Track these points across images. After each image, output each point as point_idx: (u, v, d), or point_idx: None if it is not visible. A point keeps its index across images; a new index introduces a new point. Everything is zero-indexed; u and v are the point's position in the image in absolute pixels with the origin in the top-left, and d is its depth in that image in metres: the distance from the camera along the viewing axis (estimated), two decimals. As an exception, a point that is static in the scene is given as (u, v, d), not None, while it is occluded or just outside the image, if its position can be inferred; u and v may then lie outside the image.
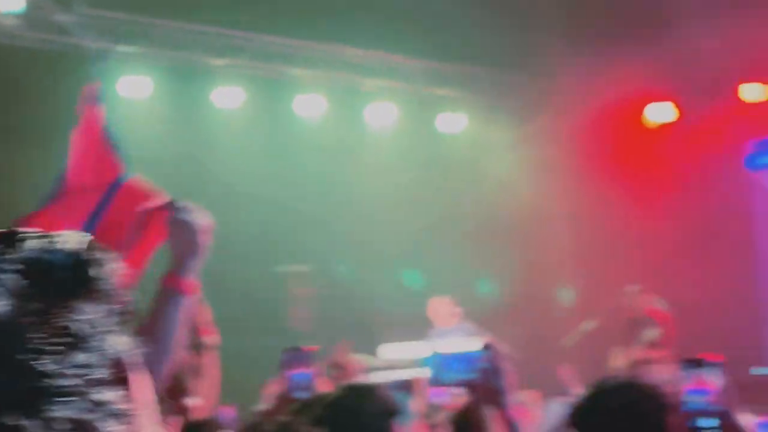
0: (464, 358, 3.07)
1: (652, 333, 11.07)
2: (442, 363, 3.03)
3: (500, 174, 13.35)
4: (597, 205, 13.95)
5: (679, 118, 13.70)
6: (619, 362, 11.20)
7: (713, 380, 2.99)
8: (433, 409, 6.41)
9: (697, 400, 3.05)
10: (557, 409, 4.79)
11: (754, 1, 12.52)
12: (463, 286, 12.15)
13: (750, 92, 13.05)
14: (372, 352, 11.34)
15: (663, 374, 10.55)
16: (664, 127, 13.89)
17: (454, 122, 13.81)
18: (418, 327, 11.44)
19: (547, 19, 14.10)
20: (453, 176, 13.31)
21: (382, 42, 12.56)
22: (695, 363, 3.01)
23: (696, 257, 12.93)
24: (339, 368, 4.79)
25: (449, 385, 3.07)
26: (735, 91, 13.11)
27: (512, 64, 13.87)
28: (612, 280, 12.55)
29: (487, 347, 3.05)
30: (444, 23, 12.36)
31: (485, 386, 3.04)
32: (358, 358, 10.88)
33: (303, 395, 3.64)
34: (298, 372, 3.76)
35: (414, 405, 5.91)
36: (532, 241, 13.82)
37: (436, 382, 3.15)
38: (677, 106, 13.68)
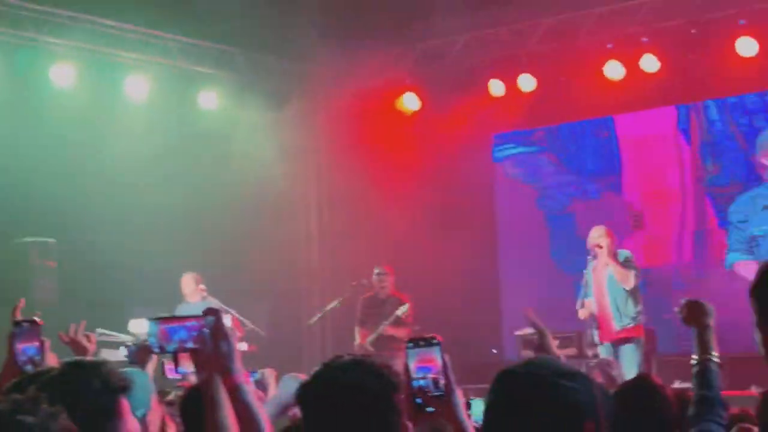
0: (186, 326, 2.99)
1: (396, 312, 11.46)
2: (163, 332, 2.98)
3: (252, 154, 13.45)
4: (346, 188, 14.34)
5: (428, 109, 14.20)
6: (363, 340, 11.57)
7: (437, 358, 3.03)
8: (170, 384, 6.46)
9: (421, 378, 3.08)
10: (292, 384, 4.89)
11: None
12: (213, 262, 12.23)
13: (497, 88, 13.66)
14: (122, 327, 11.25)
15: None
16: (415, 116, 14.38)
17: (210, 100, 13.79)
18: (171, 302, 11.48)
19: (305, 5, 14.35)
20: (206, 153, 13.29)
21: (139, 16, 12.42)
22: (420, 342, 3.04)
23: (440, 240, 13.48)
24: (72, 343, 4.76)
25: (171, 353, 3.00)
26: (485, 86, 13.69)
27: (269, 46, 14.03)
28: (358, 261, 12.95)
29: (209, 313, 2.97)
30: (202, 1, 12.33)
31: (207, 352, 2.94)
32: (95, 333, 10.82)
33: (30, 369, 3.57)
34: (27, 345, 3.70)
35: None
36: (280, 221, 13.99)
37: (158, 350, 3.03)
38: (426, 97, 14.17)
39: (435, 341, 3.10)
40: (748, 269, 12.04)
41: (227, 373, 2.85)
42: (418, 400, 2.96)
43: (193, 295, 11.61)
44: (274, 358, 10.74)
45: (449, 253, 13.51)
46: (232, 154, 13.34)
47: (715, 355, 3.58)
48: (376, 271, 11.83)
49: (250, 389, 2.92)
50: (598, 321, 10.52)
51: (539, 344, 4.53)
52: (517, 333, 12.18)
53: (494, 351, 13.56)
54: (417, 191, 13.92)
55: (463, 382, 11.89)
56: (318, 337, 14.19)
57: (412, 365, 3.04)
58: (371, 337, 11.40)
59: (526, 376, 2.35)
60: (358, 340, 11.66)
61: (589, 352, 10.98)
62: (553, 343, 4.66)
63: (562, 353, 10.60)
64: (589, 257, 10.59)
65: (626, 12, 12.69)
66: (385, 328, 11.42)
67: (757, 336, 2.60)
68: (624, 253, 10.59)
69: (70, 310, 10.83)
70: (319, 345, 14.14)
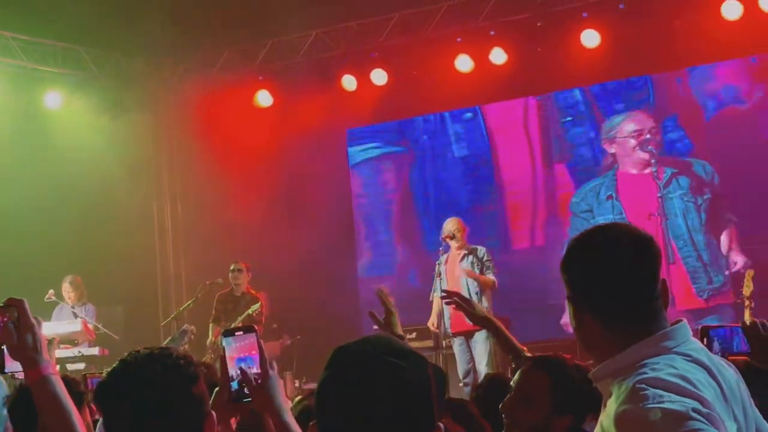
0: None
1: (250, 309, 11.37)
2: None
3: (100, 152, 13.18)
4: (200, 186, 14.20)
5: (282, 104, 14.15)
6: (215, 338, 11.43)
7: (255, 347, 3.03)
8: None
9: (239, 368, 3.04)
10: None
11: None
12: (64, 267, 11.95)
13: (349, 82, 13.68)
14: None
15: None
16: (269, 112, 14.31)
17: (55, 99, 13.44)
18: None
19: (153, 1, 14.17)
20: (53, 153, 12.96)
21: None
22: (235, 331, 3.04)
23: (297, 235, 13.45)
24: None
25: None
26: (338, 81, 13.70)
27: (116, 43, 13.77)
28: (214, 259, 12.82)
29: (11, 303, 2.85)
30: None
31: (12, 344, 2.83)
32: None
33: None
34: None
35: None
36: (133, 222, 13.75)
37: None
38: (279, 92, 14.11)
39: (251, 329, 3.10)
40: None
41: (33, 365, 2.77)
42: (235, 390, 2.95)
43: (71, 299, 11.54)
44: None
45: (307, 247, 13.49)
46: (79, 154, 13.03)
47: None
48: (231, 267, 11.71)
49: (58, 381, 2.83)
50: (450, 312, 10.59)
51: (384, 321, 4.53)
52: (375, 327, 12.22)
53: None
54: (272, 187, 13.86)
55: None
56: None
57: (230, 355, 3.02)
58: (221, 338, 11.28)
59: (358, 353, 2.30)
60: (210, 337, 11.53)
61: (445, 344, 11.11)
62: (399, 324, 4.64)
63: (419, 345, 10.78)
64: (440, 248, 10.69)
65: (474, 6, 12.86)
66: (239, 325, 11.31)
67: (569, 309, 2.64)
68: (482, 249, 10.69)
69: None
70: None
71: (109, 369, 2.78)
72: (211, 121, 14.27)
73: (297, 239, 13.44)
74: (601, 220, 12.78)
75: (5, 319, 2.76)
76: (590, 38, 12.46)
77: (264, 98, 14.21)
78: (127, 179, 13.68)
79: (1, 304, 2.81)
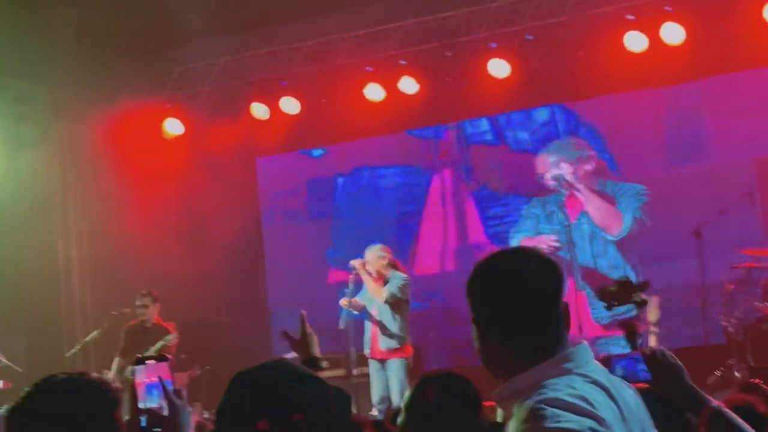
0: None
1: (164, 339, 11.20)
2: None
3: (6, 181, 12.97)
4: (107, 216, 14.02)
5: (192, 133, 14.06)
6: (121, 371, 11.25)
7: (166, 376, 3.00)
8: None
9: (148, 398, 3.00)
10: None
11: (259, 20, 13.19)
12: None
13: (260, 110, 13.66)
14: None
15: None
16: (179, 141, 14.21)
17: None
18: None
19: (61, 30, 14.06)
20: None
21: None
22: (147, 359, 3.03)
23: (206, 264, 13.36)
24: None
25: None
26: (247, 109, 13.66)
27: (25, 72, 13.57)
28: (120, 290, 12.64)
29: None
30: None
31: None
32: None
33: None
34: None
35: None
36: (37, 252, 13.50)
37: None
38: (189, 121, 14.03)
39: (164, 358, 3.07)
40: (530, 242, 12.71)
41: None
42: (143, 421, 2.90)
43: None
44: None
45: (216, 276, 13.42)
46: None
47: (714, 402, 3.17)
48: (138, 301, 11.44)
49: None
50: (370, 337, 10.60)
51: (300, 341, 4.36)
52: (287, 356, 12.15)
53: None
54: (181, 216, 13.79)
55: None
56: (81, 368, 13.72)
57: (141, 384, 2.99)
58: (132, 367, 11.09)
59: (257, 377, 2.36)
60: (114, 371, 11.27)
61: (354, 371, 11.09)
62: (316, 345, 4.54)
63: (330, 374, 10.72)
64: (351, 275, 10.67)
65: (384, 35, 12.95)
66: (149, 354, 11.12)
67: (473, 331, 2.68)
68: (398, 274, 10.62)
69: None
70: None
71: (23, 393, 2.71)
72: (119, 149, 14.11)
73: (206, 269, 13.36)
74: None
75: None
76: (498, 68, 12.62)
77: (173, 126, 14.10)
78: (30, 210, 13.42)
79: None
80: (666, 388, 3.13)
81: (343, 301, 10.63)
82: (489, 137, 13.48)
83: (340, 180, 14.17)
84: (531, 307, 2.57)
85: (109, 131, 13.94)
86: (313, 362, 4.40)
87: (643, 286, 5.93)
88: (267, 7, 12.88)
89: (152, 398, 3.06)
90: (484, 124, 13.52)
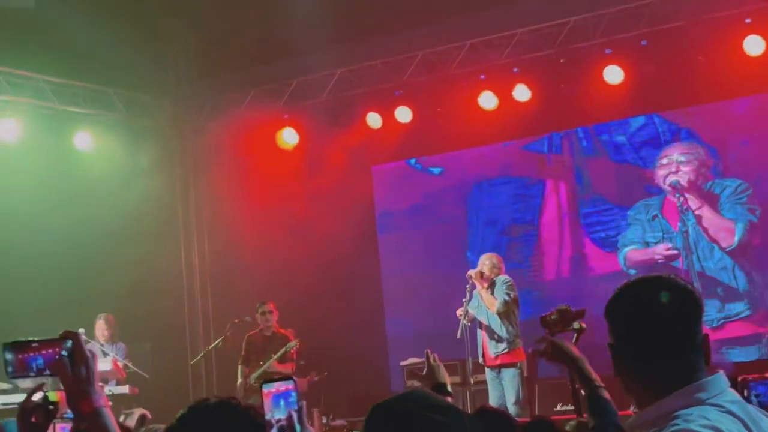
0: (43, 354, 2.90)
1: (287, 345, 11.39)
2: (21, 361, 2.88)
3: (130, 192, 13.34)
4: (227, 224, 14.30)
5: (308, 143, 14.28)
6: (246, 378, 11.47)
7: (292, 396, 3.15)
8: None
9: (281, 406, 3.11)
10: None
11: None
12: (93, 305, 12.05)
13: (374, 120, 13.80)
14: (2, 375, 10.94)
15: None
16: (295, 150, 14.43)
17: (85, 140, 13.60)
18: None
19: (178, 43, 14.41)
20: (82, 193, 13.10)
21: (9, 57, 12.21)
22: (275, 379, 3.16)
23: (323, 272, 13.55)
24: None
25: (35, 376, 2.92)
26: (363, 119, 13.81)
27: (144, 85, 13.97)
28: (241, 296, 12.88)
29: (67, 336, 2.90)
30: (76, 42, 12.20)
31: (66, 377, 2.88)
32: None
33: None
34: None
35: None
36: (161, 260, 13.84)
37: (15, 377, 2.91)
38: (304, 131, 14.24)
39: (290, 378, 3.15)
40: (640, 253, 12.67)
41: (86, 397, 2.77)
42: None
43: (104, 337, 11.63)
44: (159, 399, 10.62)
45: (333, 284, 13.58)
46: (109, 194, 13.18)
47: (598, 383, 3.71)
48: (260, 309, 11.68)
49: (110, 413, 2.89)
50: (481, 344, 10.67)
51: (426, 373, 4.63)
52: (403, 363, 12.29)
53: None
54: (298, 224, 13.95)
55: (351, 414, 11.93)
56: (203, 376, 14.05)
57: (268, 394, 3.08)
58: (256, 374, 11.31)
59: (397, 410, 2.39)
60: (240, 379, 11.54)
61: (471, 379, 11.14)
62: (443, 373, 4.80)
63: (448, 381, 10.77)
64: (467, 285, 10.73)
65: (497, 43, 12.96)
66: (273, 364, 11.34)
67: (612, 355, 2.71)
68: (501, 277, 10.70)
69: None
70: (204, 385, 14.00)
71: (178, 415, 2.83)
72: (237, 160, 14.42)
73: (322, 276, 13.53)
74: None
75: (60, 352, 2.79)
76: (613, 74, 12.52)
77: (289, 136, 14.35)
78: (155, 218, 13.82)
79: (57, 337, 2.87)
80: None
81: (459, 311, 10.70)
82: (600, 144, 13.37)
83: (456, 189, 14.18)
84: (665, 335, 2.57)
85: (229, 141, 14.25)
86: (441, 388, 4.61)
87: (580, 314, 6.19)
88: (381, 17, 13.01)
89: (279, 409, 3.17)
90: (596, 131, 13.42)
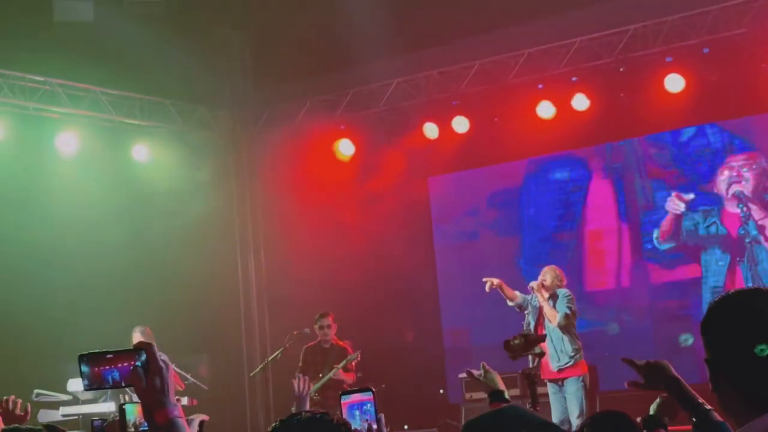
0: (118, 366, 2.89)
1: (348, 357, 11.34)
2: (97, 373, 2.86)
3: (187, 203, 13.40)
4: (284, 235, 14.32)
5: (364, 153, 14.26)
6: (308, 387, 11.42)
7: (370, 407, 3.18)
8: None
9: (356, 416, 3.17)
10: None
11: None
12: (150, 315, 12.09)
13: (430, 130, 13.74)
14: (60, 386, 11.08)
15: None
16: (351, 161, 14.41)
17: (143, 151, 13.68)
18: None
19: (235, 54, 14.46)
20: (140, 205, 13.19)
21: (67, 71, 12.32)
22: (354, 391, 3.22)
23: (379, 282, 13.50)
24: (6, 413, 4.64)
25: (110, 388, 2.92)
26: (419, 129, 13.76)
27: (200, 96, 14.03)
28: (298, 308, 12.86)
29: (141, 347, 2.89)
30: (133, 54, 12.30)
31: (141, 388, 2.87)
32: (33, 394, 10.65)
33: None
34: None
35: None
36: (218, 271, 13.88)
37: (91, 388, 2.91)
38: (361, 141, 14.23)
39: (368, 390, 3.22)
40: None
41: (161, 408, 2.78)
42: None
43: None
44: (217, 410, 10.63)
45: (390, 296, 13.53)
46: (166, 205, 13.25)
47: (707, 405, 3.52)
48: (318, 321, 11.61)
49: (184, 424, 2.87)
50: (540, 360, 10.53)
51: (484, 378, 4.85)
52: (461, 376, 12.20)
53: (441, 391, 13.57)
54: (355, 235, 13.92)
55: (412, 423, 11.85)
56: (260, 387, 14.05)
57: (345, 405, 3.16)
58: (316, 386, 11.27)
59: (492, 427, 2.34)
60: (296, 390, 11.46)
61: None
62: (499, 380, 4.91)
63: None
64: (529, 296, 10.64)
65: (554, 52, 12.85)
66: (338, 372, 11.29)
67: (710, 370, 2.64)
68: (562, 291, 10.60)
69: (6, 371, 10.65)
70: (261, 396, 14.00)
71: (270, 429, 2.81)
72: (293, 170, 14.43)
73: (379, 287, 13.49)
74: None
75: (134, 363, 2.80)
76: (674, 83, 12.36)
77: (346, 147, 14.34)
78: (212, 229, 13.86)
79: (131, 348, 2.87)
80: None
81: (526, 325, 10.59)
82: (661, 152, 13.20)
83: (512, 199, 14.09)
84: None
85: (285, 152, 14.28)
86: (499, 395, 4.69)
87: (542, 338, 7.06)
88: (438, 26, 12.96)
89: (354, 419, 3.18)
90: (653, 140, 13.26)
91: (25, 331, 11.69)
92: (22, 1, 12.16)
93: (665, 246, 13.08)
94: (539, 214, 13.90)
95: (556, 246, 13.62)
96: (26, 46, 12.02)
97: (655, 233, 13.10)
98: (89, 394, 11.28)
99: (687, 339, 12.63)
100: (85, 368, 2.77)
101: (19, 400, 4.74)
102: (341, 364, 11.16)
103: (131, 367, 2.77)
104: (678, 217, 13.00)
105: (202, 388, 11.66)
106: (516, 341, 6.83)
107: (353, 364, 11.40)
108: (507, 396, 4.96)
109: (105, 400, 11.20)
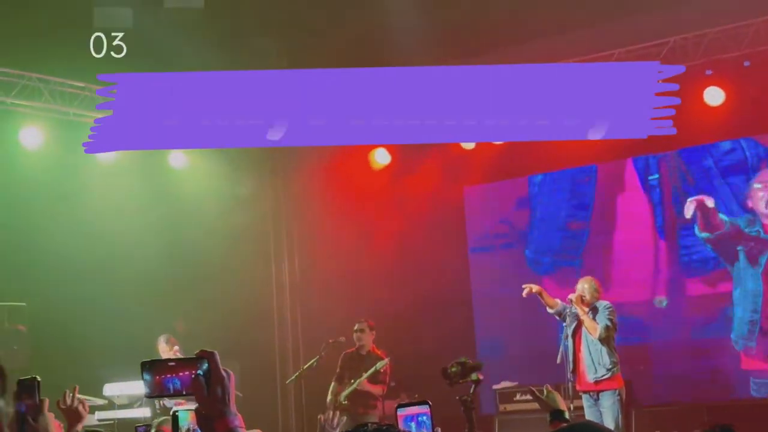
0: (179, 375, 2.88)
1: (378, 364, 11.32)
2: (158, 381, 2.86)
3: (222, 210, 13.45)
4: (319, 243, 14.33)
5: (399, 162, 14.26)
6: (336, 396, 11.42)
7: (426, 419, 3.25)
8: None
9: (412, 428, 3.22)
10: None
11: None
12: (185, 321, 12.15)
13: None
14: (97, 390, 11.13)
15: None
16: (386, 170, 14.42)
17: (178, 158, 13.73)
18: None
19: (271, 67, 14.48)
20: (176, 211, 13.24)
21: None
22: (411, 403, 3.30)
23: (414, 293, 13.47)
24: (68, 410, 4.62)
25: (171, 396, 2.91)
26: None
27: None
28: (332, 317, 12.87)
29: (202, 355, 2.88)
30: (170, 63, 12.34)
31: (203, 397, 2.86)
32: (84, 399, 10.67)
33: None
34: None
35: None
36: (253, 279, 13.91)
37: (153, 396, 2.90)
38: (396, 150, 14.24)
39: (425, 403, 3.31)
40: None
41: (222, 417, 2.73)
42: None
43: (169, 355, 11.51)
44: (250, 417, 10.60)
45: (423, 305, 13.51)
46: (202, 212, 13.28)
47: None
48: (357, 327, 11.63)
49: None
50: (577, 371, 10.47)
51: (546, 397, 5.07)
52: (495, 387, 12.17)
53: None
54: (390, 244, 13.92)
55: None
56: (293, 394, 14.05)
57: (401, 417, 3.22)
58: (346, 392, 11.26)
59: None
60: (330, 396, 11.47)
61: (572, 405, 10.94)
62: (561, 400, 5.17)
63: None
64: (568, 308, 10.58)
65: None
66: (363, 383, 11.29)
67: None
68: (602, 303, 10.53)
69: (42, 375, 10.67)
70: (294, 403, 13.99)
71: None
72: (327, 178, 14.45)
73: (415, 297, 13.47)
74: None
75: (196, 371, 2.77)
76: (714, 96, 12.34)
77: (382, 157, 14.34)
78: (247, 237, 13.89)
79: (193, 356, 2.86)
80: None
81: (564, 337, 10.54)
82: (699, 166, 13.13)
83: (545, 210, 14.06)
84: None
85: (320, 159, 14.28)
86: (560, 414, 4.82)
87: (478, 366, 6.98)
88: (469, 36, 12.95)
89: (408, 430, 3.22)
90: (689, 154, 13.18)
91: (63, 336, 11.75)
92: (61, 8, 12.23)
93: (704, 235, 12.94)
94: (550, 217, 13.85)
95: (585, 256, 13.58)
96: (65, 54, 12.10)
97: (696, 228, 13.01)
98: (125, 399, 11.33)
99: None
100: (147, 376, 2.78)
101: (81, 396, 4.71)
102: (368, 374, 11.14)
103: (193, 376, 2.74)
104: (712, 210, 12.89)
105: (236, 395, 11.64)
106: (453, 368, 7.09)
107: (385, 375, 11.35)
108: (567, 416, 5.06)
109: (140, 405, 11.23)
